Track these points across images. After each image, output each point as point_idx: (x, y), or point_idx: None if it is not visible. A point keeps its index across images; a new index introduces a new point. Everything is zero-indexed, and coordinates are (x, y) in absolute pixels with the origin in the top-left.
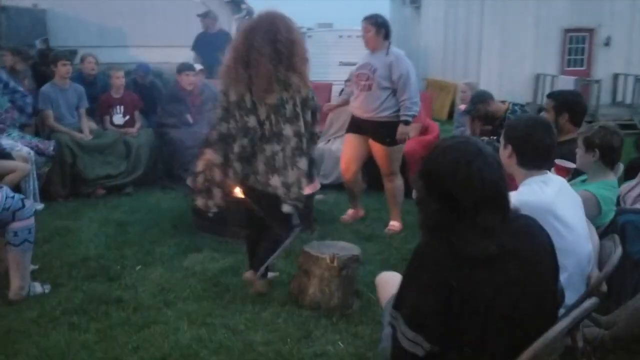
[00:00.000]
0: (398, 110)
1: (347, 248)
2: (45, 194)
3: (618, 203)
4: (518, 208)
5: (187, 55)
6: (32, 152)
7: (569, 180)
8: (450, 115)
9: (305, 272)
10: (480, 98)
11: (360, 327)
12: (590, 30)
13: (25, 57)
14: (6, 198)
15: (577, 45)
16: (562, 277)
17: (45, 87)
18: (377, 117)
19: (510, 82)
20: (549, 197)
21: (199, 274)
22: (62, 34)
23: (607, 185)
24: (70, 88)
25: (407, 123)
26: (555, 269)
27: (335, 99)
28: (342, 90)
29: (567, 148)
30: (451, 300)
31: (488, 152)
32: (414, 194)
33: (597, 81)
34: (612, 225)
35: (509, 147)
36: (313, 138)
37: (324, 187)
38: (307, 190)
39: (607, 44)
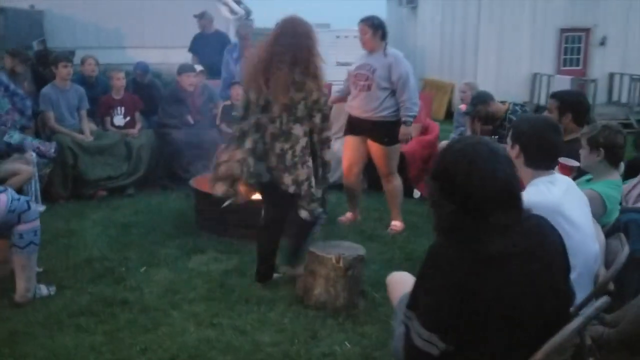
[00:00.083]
0: (396, 110)
1: (352, 248)
2: (46, 196)
3: (620, 202)
4: (530, 208)
5: (184, 56)
6: (34, 154)
7: (573, 179)
8: (448, 115)
9: (311, 273)
10: (481, 99)
11: (367, 327)
12: (586, 30)
13: (24, 59)
14: (12, 200)
15: (573, 44)
16: (572, 276)
17: (46, 89)
18: (375, 116)
19: (507, 81)
20: (556, 197)
21: (203, 275)
22: (60, 35)
23: (612, 184)
24: (71, 89)
25: (408, 124)
26: (566, 268)
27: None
28: None
29: (570, 147)
30: (465, 300)
31: (501, 152)
32: (415, 193)
33: (593, 80)
34: (615, 224)
35: (517, 147)
36: (324, 141)
37: None
38: None
39: (602, 43)
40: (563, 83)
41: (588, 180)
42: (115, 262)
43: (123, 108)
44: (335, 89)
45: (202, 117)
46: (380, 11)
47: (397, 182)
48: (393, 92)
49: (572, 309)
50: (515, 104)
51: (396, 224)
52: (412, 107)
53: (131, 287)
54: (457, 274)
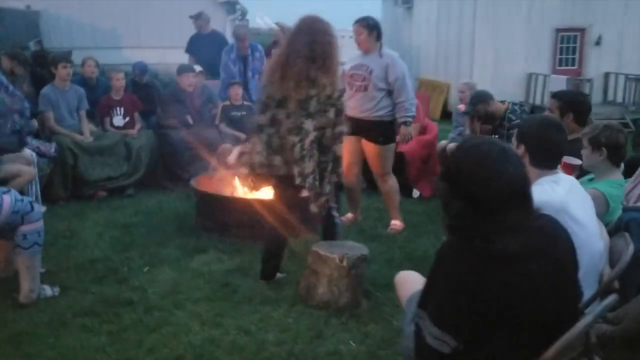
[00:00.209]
0: (392, 110)
1: (355, 248)
2: (46, 196)
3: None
4: (539, 207)
5: (181, 56)
6: (34, 154)
7: (575, 177)
8: (444, 114)
9: (314, 272)
10: (480, 98)
11: (370, 326)
12: (582, 30)
13: (23, 61)
14: (15, 201)
15: (569, 44)
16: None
17: (46, 89)
18: (372, 116)
19: (503, 81)
20: (560, 196)
21: (206, 275)
22: (56, 36)
23: (615, 184)
24: (70, 90)
25: (408, 124)
26: (576, 267)
27: None
28: None
29: (572, 147)
30: (476, 298)
31: (511, 151)
32: (415, 193)
33: (589, 80)
34: (617, 223)
35: (522, 147)
36: (337, 135)
37: None
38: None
39: (598, 43)
40: (559, 83)
41: (590, 180)
42: (118, 262)
43: (122, 108)
44: None
45: (202, 117)
46: (376, 11)
47: (393, 181)
48: (389, 92)
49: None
50: (514, 104)
51: (396, 223)
52: (411, 107)
53: (134, 287)
54: (468, 272)
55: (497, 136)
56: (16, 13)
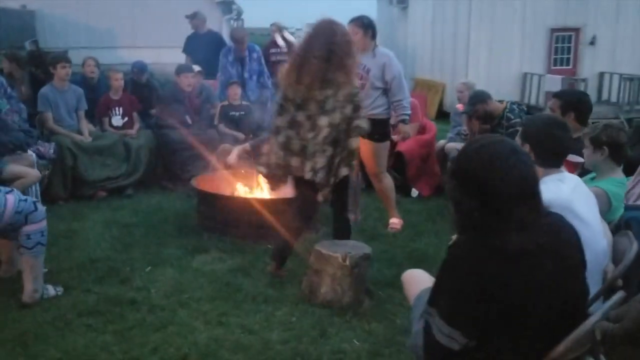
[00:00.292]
0: (387, 108)
1: (357, 247)
2: (45, 197)
3: None
4: (548, 205)
5: (177, 56)
6: (34, 155)
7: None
8: (439, 114)
9: (317, 271)
10: (479, 98)
11: (373, 324)
12: (576, 30)
13: (22, 63)
14: (19, 201)
15: (564, 44)
16: None
17: (44, 89)
18: (368, 114)
19: (498, 81)
20: (565, 195)
21: (208, 274)
22: (51, 36)
23: (616, 182)
24: (69, 90)
25: (406, 122)
26: (583, 264)
27: None
28: None
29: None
30: (486, 295)
31: (520, 149)
32: (413, 192)
33: (584, 80)
34: (617, 222)
35: (527, 146)
36: (354, 129)
37: None
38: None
39: (592, 43)
40: (554, 82)
41: (592, 179)
42: (120, 262)
43: (121, 108)
44: None
45: (200, 117)
46: (371, 11)
47: (388, 179)
48: (384, 91)
49: None
50: (512, 103)
51: (394, 221)
52: (407, 105)
53: (137, 287)
54: (478, 270)
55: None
56: (11, 13)
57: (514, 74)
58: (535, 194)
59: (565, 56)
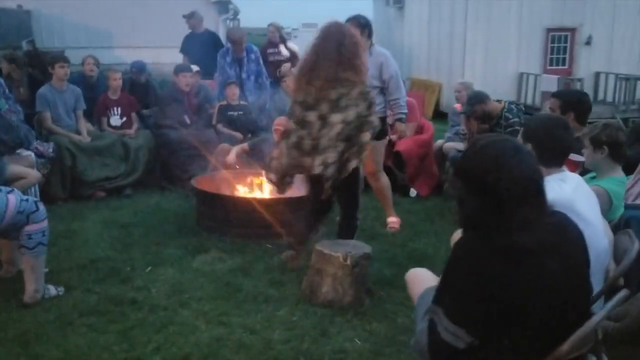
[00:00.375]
0: (383, 107)
1: (358, 246)
2: (44, 197)
3: None
4: (552, 204)
5: (174, 56)
6: (33, 155)
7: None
8: (436, 114)
9: (318, 271)
10: (478, 99)
11: (374, 324)
12: (572, 30)
13: (21, 65)
14: (20, 201)
15: (559, 44)
16: None
17: (43, 89)
18: None
19: (494, 81)
20: (568, 194)
21: (209, 274)
22: (48, 35)
23: (617, 181)
24: (67, 90)
25: (403, 120)
26: (587, 263)
27: None
28: None
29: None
30: (491, 293)
31: (524, 148)
32: (412, 192)
33: (580, 80)
34: (617, 221)
35: (529, 146)
36: (366, 123)
37: None
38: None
39: (588, 43)
40: (550, 82)
41: (592, 178)
42: (120, 262)
43: (119, 108)
44: None
45: (199, 117)
46: (367, 11)
47: (385, 178)
48: (381, 90)
49: None
50: (510, 103)
51: (392, 220)
52: (404, 104)
53: (138, 286)
54: (484, 268)
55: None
56: (7, 12)
57: (510, 74)
58: (539, 192)
59: (561, 56)
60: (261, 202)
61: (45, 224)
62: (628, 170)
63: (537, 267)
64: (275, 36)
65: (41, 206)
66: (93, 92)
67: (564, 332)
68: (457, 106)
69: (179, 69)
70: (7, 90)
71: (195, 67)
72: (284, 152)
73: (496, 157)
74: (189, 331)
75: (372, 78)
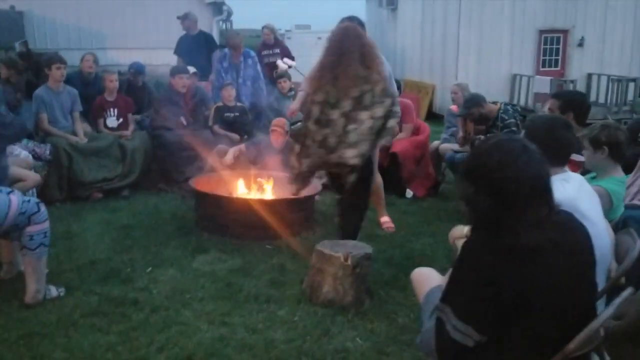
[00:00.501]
0: None
1: (358, 247)
2: (41, 198)
3: None
4: (559, 204)
5: (167, 57)
6: (30, 156)
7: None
8: (429, 115)
9: (319, 271)
10: (475, 101)
11: (375, 323)
12: (564, 31)
13: (20, 70)
14: (22, 202)
15: (552, 46)
16: None
17: (39, 91)
18: None
19: (487, 82)
20: (571, 194)
21: (209, 274)
22: (40, 37)
23: (617, 181)
24: (64, 91)
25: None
26: (593, 261)
27: None
28: None
29: None
30: (500, 292)
31: (532, 147)
32: (408, 193)
33: (572, 81)
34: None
35: None
36: (391, 113)
37: None
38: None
39: (580, 44)
40: (543, 84)
41: (593, 178)
42: (120, 263)
43: (116, 110)
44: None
45: (195, 118)
46: (360, 12)
47: (379, 178)
48: None
49: None
50: (506, 104)
51: (386, 220)
52: (398, 104)
53: (139, 287)
54: (493, 266)
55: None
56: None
57: (503, 75)
58: (547, 190)
59: (554, 57)
60: (260, 202)
61: (46, 224)
62: (625, 170)
63: (545, 265)
64: (270, 38)
65: (43, 207)
66: (87, 89)
67: (570, 330)
68: (453, 107)
69: (175, 71)
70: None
71: (192, 69)
72: (308, 152)
73: (504, 157)
74: (192, 331)
75: None
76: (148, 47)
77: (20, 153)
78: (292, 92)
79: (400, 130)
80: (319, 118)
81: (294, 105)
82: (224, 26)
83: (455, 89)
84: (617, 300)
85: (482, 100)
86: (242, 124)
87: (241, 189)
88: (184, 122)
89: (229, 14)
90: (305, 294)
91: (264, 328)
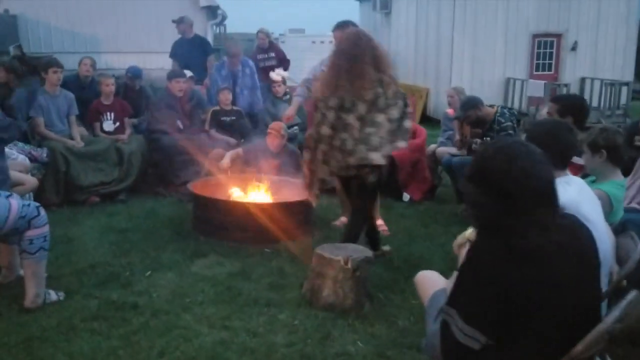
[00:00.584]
0: None
1: (358, 250)
2: (37, 202)
3: None
4: (564, 207)
5: (161, 61)
6: (27, 160)
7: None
8: (423, 119)
9: (319, 274)
10: (472, 104)
11: (376, 327)
12: (558, 36)
13: (20, 75)
14: (22, 206)
15: (545, 50)
16: None
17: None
18: None
19: (481, 86)
20: (573, 197)
21: (209, 278)
22: (34, 40)
23: (617, 185)
24: (60, 95)
25: None
26: (598, 264)
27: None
28: None
29: None
30: (507, 296)
31: (537, 150)
32: (405, 196)
33: (566, 85)
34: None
35: None
36: (405, 115)
37: None
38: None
39: (574, 48)
40: (536, 88)
41: (592, 182)
42: (119, 267)
43: (112, 114)
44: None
45: (192, 122)
46: (354, 17)
47: None
48: None
49: None
50: (502, 107)
51: (380, 223)
52: (408, 105)
53: (139, 291)
54: (499, 270)
55: (487, 139)
56: None
57: (497, 79)
58: (552, 193)
59: (547, 61)
60: (258, 206)
61: (46, 228)
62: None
63: (551, 268)
64: (265, 42)
65: (42, 211)
66: (84, 94)
67: (575, 333)
68: (450, 111)
69: (172, 75)
70: None
71: (188, 73)
72: (327, 157)
73: (510, 159)
74: (193, 335)
75: None
76: (142, 51)
77: (17, 157)
78: (287, 97)
79: None
80: (335, 123)
81: (290, 111)
82: (217, 30)
83: (452, 93)
84: (623, 303)
85: (479, 102)
86: (239, 128)
87: (239, 193)
88: (181, 126)
89: (223, 18)
90: (305, 297)
91: (265, 332)
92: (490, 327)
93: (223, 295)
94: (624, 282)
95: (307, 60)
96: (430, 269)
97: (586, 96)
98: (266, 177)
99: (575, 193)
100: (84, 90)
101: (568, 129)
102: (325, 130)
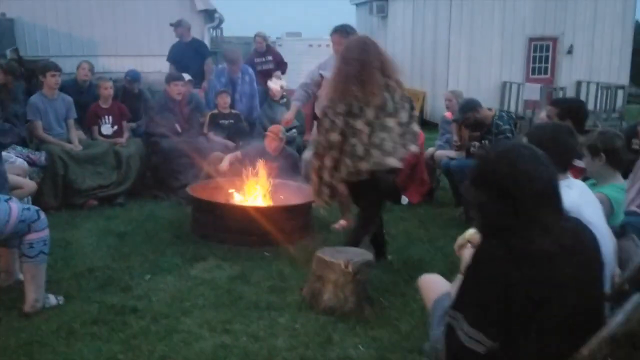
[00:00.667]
0: None
1: (359, 253)
2: (36, 205)
3: None
4: (568, 209)
5: (158, 65)
6: (26, 163)
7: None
8: (420, 122)
9: (319, 278)
10: (470, 106)
11: (377, 330)
12: (554, 39)
13: (18, 77)
14: (22, 210)
15: (541, 53)
16: None
17: (34, 98)
18: None
19: (477, 89)
20: (574, 200)
21: (208, 282)
22: (31, 44)
23: (618, 188)
24: (58, 98)
25: None
26: (601, 267)
27: None
28: None
29: None
30: (512, 298)
31: (540, 152)
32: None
33: (562, 88)
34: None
35: None
36: (413, 118)
37: None
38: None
39: (570, 52)
40: (533, 91)
41: (593, 185)
42: (118, 270)
43: (111, 117)
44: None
45: (190, 125)
46: (350, 20)
47: None
48: None
49: None
50: (501, 110)
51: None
52: (414, 108)
53: (138, 295)
54: (504, 272)
55: (486, 142)
56: None
57: (494, 83)
58: (556, 196)
59: (544, 65)
60: (257, 209)
61: (46, 232)
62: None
63: (556, 270)
64: (262, 45)
65: (42, 215)
66: (82, 97)
67: (580, 336)
68: (448, 114)
69: (170, 78)
70: None
71: (187, 76)
72: (338, 164)
73: (516, 162)
74: (194, 339)
75: None
76: (139, 54)
77: (15, 160)
78: (285, 100)
79: None
80: (344, 129)
81: (288, 115)
82: (214, 33)
83: (449, 96)
84: (628, 307)
85: (477, 105)
86: (237, 131)
87: (238, 196)
88: (179, 129)
89: (221, 21)
90: (306, 301)
91: (266, 335)
92: (495, 331)
93: (223, 298)
94: (626, 285)
95: (304, 64)
96: (430, 271)
97: (582, 99)
98: (266, 180)
99: (576, 196)
100: (82, 94)
101: (569, 132)
102: (335, 137)
